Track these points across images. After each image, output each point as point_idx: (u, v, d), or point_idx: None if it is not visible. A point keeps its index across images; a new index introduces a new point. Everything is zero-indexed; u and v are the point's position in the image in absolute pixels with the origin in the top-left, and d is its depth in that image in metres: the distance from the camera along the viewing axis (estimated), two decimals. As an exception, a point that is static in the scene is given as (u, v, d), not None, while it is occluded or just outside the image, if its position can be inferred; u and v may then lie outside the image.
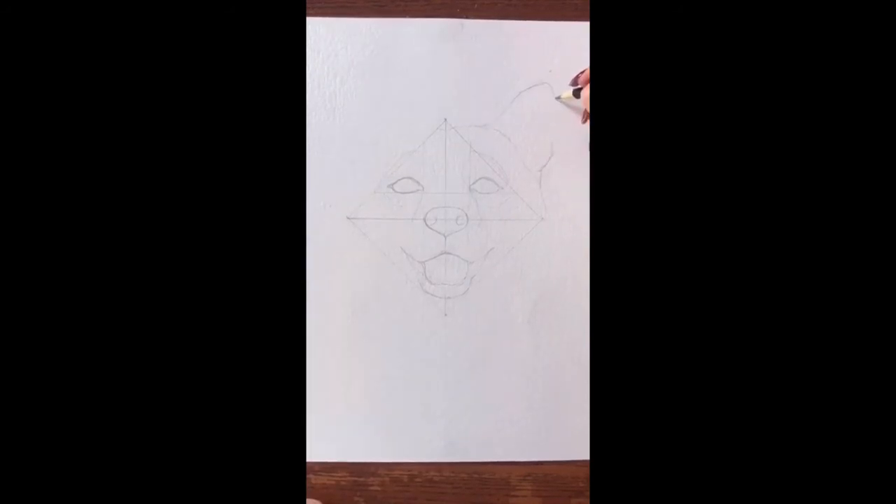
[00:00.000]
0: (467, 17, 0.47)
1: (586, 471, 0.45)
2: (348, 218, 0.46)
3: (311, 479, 0.45)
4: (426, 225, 0.47)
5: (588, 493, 0.45)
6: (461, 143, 0.47)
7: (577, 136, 0.47)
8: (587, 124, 0.46)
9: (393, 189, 0.47)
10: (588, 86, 0.44)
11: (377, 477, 0.45)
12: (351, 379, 0.46)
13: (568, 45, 0.47)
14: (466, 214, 0.47)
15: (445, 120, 0.47)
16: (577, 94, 0.46)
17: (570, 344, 0.46)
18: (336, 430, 0.45)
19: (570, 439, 0.45)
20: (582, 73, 0.45)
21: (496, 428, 0.45)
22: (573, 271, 0.47)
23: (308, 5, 0.47)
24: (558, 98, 0.47)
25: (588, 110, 0.45)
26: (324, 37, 0.47)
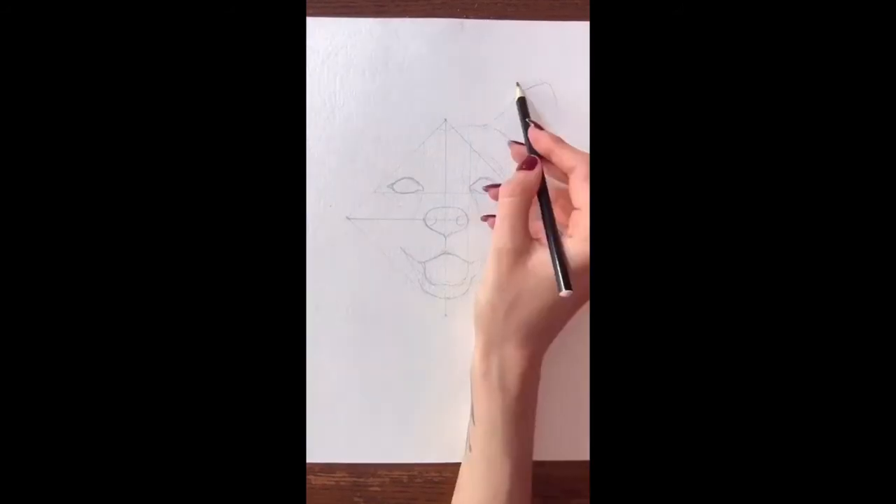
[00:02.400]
0: (467, 17, 0.47)
1: (586, 471, 0.45)
2: (348, 218, 0.46)
3: (311, 479, 0.45)
4: (426, 225, 0.47)
5: (588, 493, 0.45)
6: (461, 143, 0.47)
7: (577, 137, 0.47)
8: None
9: (393, 189, 0.46)
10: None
11: (377, 477, 0.45)
12: (350, 379, 0.46)
13: (568, 45, 0.47)
14: (466, 214, 0.46)
15: (445, 120, 0.47)
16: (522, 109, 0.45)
17: (570, 344, 0.46)
18: (336, 431, 0.45)
19: (570, 439, 0.45)
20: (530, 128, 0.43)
21: (496, 428, 0.45)
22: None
23: (308, 5, 0.47)
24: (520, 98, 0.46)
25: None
26: (324, 37, 0.47)
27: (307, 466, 0.45)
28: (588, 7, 0.47)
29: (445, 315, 0.46)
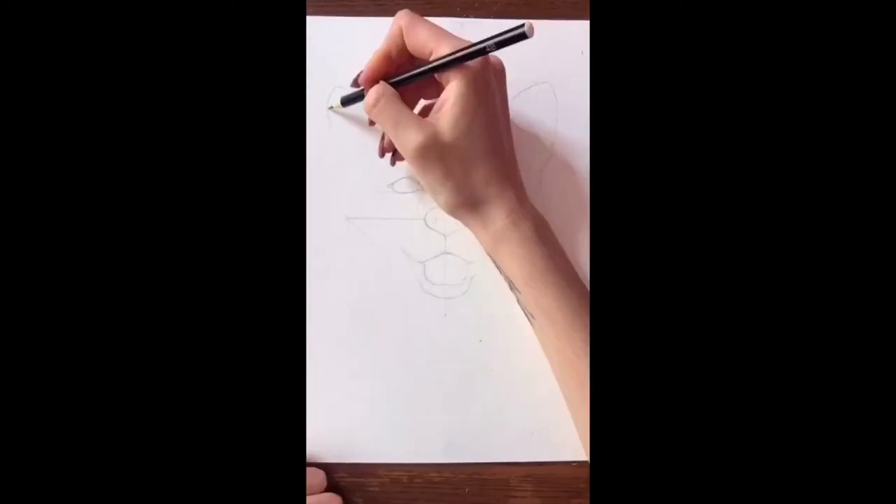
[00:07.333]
0: (467, 17, 0.47)
1: (586, 471, 0.45)
2: (348, 218, 0.46)
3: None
4: (426, 225, 0.47)
5: (588, 493, 0.45)
6: (461, 142, 0.46)
7: (577, 136, 0.47)
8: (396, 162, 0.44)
9: (393, 189, 0.46)
10: (373, 91, 0.39)
11: (377, 477, 0.45)
12: (350, 379, 0.46)
13: (568, 44, 0.47)
14: (466, 214, 0.46)
15: (445, 119, 0.46)
16: (345, 102, 0.44)
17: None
18: (336, 430, 0.45)
19: (570, 439, 0.45)
20: (361, 73, 0.41)
21: (496, 428, 0.45)
22: (573, 271, 0.46)
23: (308, 4, 0.47)
24: (331, 108, 0.46)
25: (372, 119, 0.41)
26: (324, 36, 0.47)
27: (307, 466, 0.45)
28: (588, 6, 0.47)
29: (445, 315, 0.46)
